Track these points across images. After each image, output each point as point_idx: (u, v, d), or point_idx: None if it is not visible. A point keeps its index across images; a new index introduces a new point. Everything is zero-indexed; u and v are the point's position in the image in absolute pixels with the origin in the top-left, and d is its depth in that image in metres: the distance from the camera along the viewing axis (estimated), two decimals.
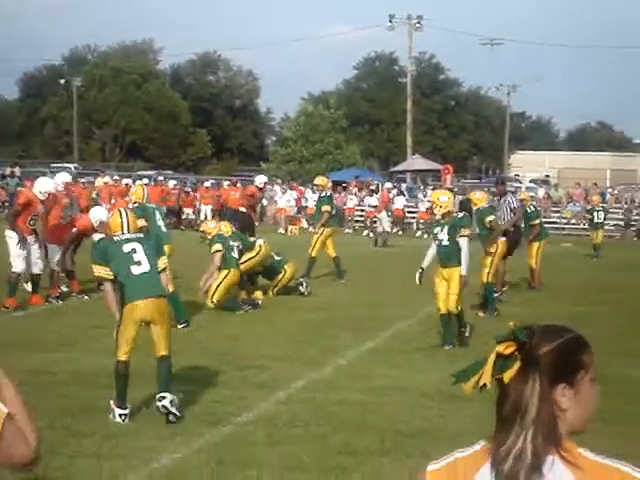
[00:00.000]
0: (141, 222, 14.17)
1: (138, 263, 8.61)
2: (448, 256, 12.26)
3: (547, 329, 2.32)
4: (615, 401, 9.29)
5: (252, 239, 16.84)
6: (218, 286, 15.23)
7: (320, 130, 58.98)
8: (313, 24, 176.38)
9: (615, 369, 11.02)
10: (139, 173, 48.81)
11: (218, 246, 15.41)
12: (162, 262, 8.80)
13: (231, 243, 15.64)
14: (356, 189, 43.21)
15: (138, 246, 8.71)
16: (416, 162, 53.58)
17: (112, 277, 8.57)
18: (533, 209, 20.00)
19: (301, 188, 43.40)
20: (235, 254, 15.61)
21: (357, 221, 41.30)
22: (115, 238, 8.86)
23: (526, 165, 79.08)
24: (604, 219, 29.73)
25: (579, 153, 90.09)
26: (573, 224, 41.44)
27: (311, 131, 58.83)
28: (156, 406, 8.36)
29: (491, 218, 16.08)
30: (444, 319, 12.33)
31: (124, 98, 71.68)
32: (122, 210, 9.38)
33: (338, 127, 60.49)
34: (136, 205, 14.65)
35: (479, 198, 16.51)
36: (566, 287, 19.42)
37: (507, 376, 2.24)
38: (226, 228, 15.98)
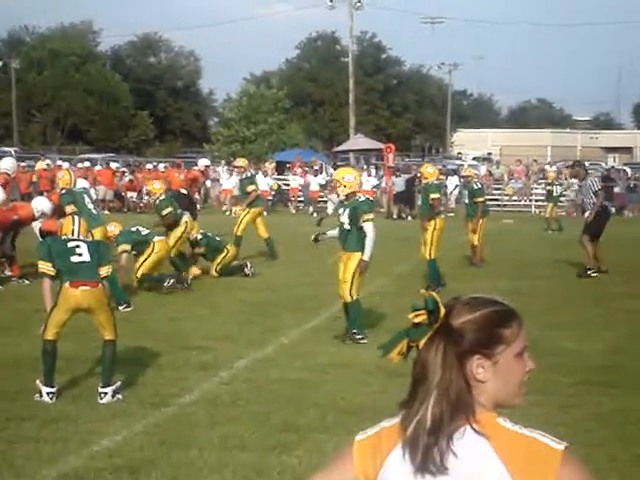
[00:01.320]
0: (71, 208, 14.11)
1: (79, 254, 8.70)
2: (347, 240, 11.40)
3: (472, 300, 2.32)
4: (551, 372, 9.47)
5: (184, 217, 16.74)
6: (144, 261, 15.09)
7: (262, 110, 58.73)
8: (254, 4, 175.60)
9: (550, 342, 11.19)
10: (81, 156, 48.29)
11: (124, 247, 15.24)
12: (105, 270, 8.78)
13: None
14: (300, 169, 43.18)
15: (84, 245, 8.82)
16: (359, 142, 53.61)
17: (53, 273, 8.62)
18: (479, 186, 20.24)
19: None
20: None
21: (300, 201, 41.35)
22: (63, 238, 8.97)
23: (468, 143, 79.65)
24: (560, 194, 31.73)
25: (520, 130, 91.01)
26: (515, 201, 41.87)
27: (253, 111, 58.55)
28: (99, 394, 8.39)
29: (435, 195, 16.15)
30: (344, 308, 11.66)
31: (64, 81, 70.79)
32: (75, 217, 9.53)
33: (281, 107, 60.28)
34: (64, 191, 14.57)
35: (430, 173, 16.62)
36: (506, 262, 19.65)
37: (422, 344, 2.28)
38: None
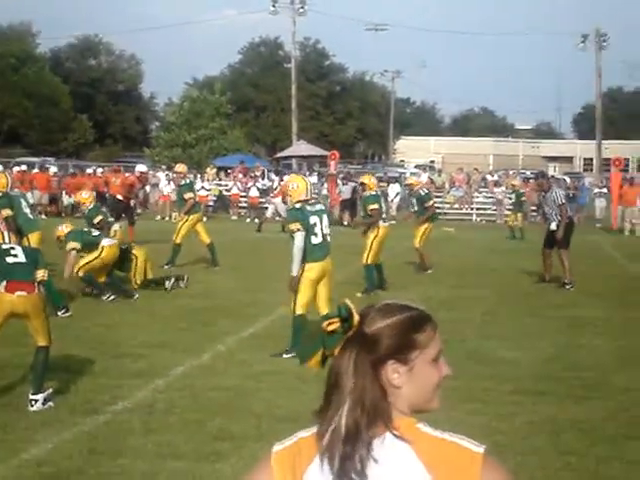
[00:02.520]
0: (6, 212, 13.88)
1: (14, 255, 8.58)
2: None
3: (386, 307, 2.31)
4: (489, 381, 9.51)
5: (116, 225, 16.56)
6: (88, 262, 14.90)
7: (205, 115, 58.53)
8: (198, 8, 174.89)
9: (489, 351, 11.24)
10: (18, 160, 47.62)
11: (73, 244, 15.06)
12: (41, 273, 8.63)
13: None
14: (241, 175, 43.03)
15: (19, 249, 8.78)
16: (301, 148, 53.67)
17: None
18: (426, 191, 20.67)
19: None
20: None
21: (242, 207, 41.19)
22: None
23: (411, 151, 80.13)
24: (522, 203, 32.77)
25: (463, 139, 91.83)
26: (456, 209, 42.13)
27: (195, 116, 58.32)
28: (29, 402, 8.23)
29: (374, 206, 16.43)
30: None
31: (1, 83, 69.77)
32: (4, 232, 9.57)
33: (223, 112, 60.13)
34: (0, 195, 14.35)
35: (373, 183, 17.20)
36: (447, 270, 19.71)
37: (336, 352, 2.25)
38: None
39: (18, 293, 8.32)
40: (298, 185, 11.30)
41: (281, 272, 17.81)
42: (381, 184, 41.81)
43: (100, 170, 39.17)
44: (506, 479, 2.23)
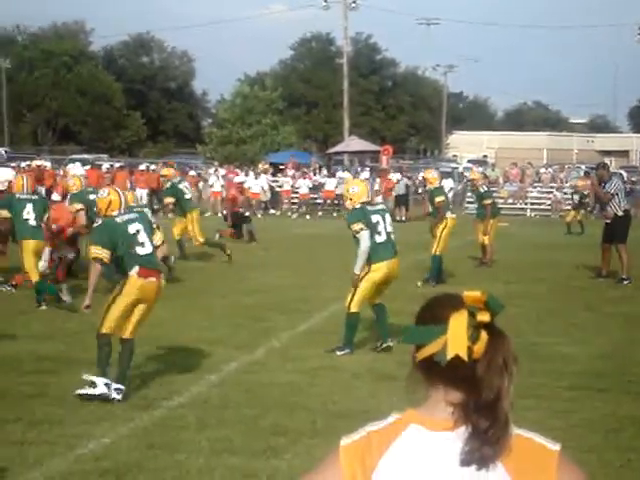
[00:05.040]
0: (4, 213, 14.01)
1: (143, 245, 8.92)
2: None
3: None
4: (545, 378, 9.40)
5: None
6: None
7: (256, 111, 58.65)
8: (249, 3, 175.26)
9: (545, 347, 11.12)
10: (72, 157, 48.10)
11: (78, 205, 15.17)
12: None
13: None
14: (293, 171, 43.03)
15: (147, 240, 8.87)
16: (353, 143, 53.52)
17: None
18: (486, 189, 20.78)
19: (237, 171, 42.96)
20: None
21: (293, 203, 41.07)
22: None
23: (464, 146, 79.61)
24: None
25: (516, 133, 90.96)
26: (510, 204, 41.77)
27: (247, 112, 58.45)
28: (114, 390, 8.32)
29: (440, 199, 16.81)
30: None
31: (55, 81, 70.56)
32: None
33: (274, 108, 60.20)
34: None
35: (434, 177, 17.62)
36: (504, 266, 19.54)
37: (477, 349, 2.13)
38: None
39: (150, 279, 8.61)
40: (359, 188, 11.22)
41: (333, 268, 17.91)
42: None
43: (153, 167, 39.19)
44: (581, 477, 2.22)
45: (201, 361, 10.17)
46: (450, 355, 2.10)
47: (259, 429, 7.64)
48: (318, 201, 40.69)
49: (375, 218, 10.91)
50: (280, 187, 41.61)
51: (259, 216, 37.37)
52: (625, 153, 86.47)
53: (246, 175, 39.55)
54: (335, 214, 37.90)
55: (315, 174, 43.07)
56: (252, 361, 10.30)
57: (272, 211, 39.53)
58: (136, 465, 6.71)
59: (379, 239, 10.85)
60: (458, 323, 2.12)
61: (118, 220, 8.80)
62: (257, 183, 39.19)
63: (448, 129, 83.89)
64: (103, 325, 8.49)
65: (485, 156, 69.27)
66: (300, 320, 12.82)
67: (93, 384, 8.31)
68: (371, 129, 73.10)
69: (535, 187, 43.21)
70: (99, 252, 8.55)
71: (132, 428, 7.64)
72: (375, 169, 43.88)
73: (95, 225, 9.75)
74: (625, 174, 43.17)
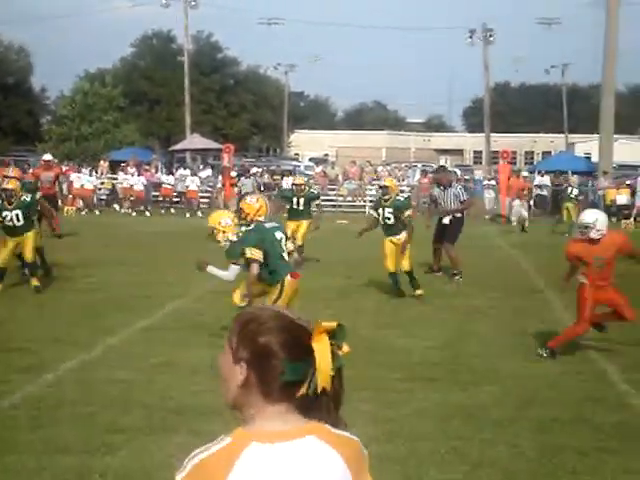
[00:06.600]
0: None
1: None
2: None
3: None
4: (380, 370, 9.65)
5: None
6: None
7: (97, 108, 57.69)
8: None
9: (380, 340, 11.39)
10: None
11: None
12: None
13: None
14: (134, 169, 42.51)
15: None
16: (196, 141, 53.32)
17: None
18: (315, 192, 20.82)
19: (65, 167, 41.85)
20: None
21: (132, 201, 40.63)
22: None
23: (305, 144, 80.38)
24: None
25: (356, 132, 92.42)
26: (349, 201, 42.40)
27: (88, 109, 57.44)
28: None
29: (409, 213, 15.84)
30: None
31: None
32: None
33: (116, 106, 59.36)
34: None
35: (396, 185, 17.21)
36: (339, 262, 19.84)
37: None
38: None
39: (297, 280, 10.11)
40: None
41: (173, 266, 17.84)
42: (275, 177, 41.95)
43: None
44: None
45: (37, 360, 9.97)
46: (320, 388, 2.22)
47: (95, 427, 7.57)
48: (159, 199, 40.46)
49: None
50: (121, 184, 41.00)
51: (97, 212, 37.00)
52: (460, 152, 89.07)
53: (90, 173, 39.38)
54: (173, 210, 38.02)
55: (157, 172, 42.74)
56: (90, 359, 10.16)
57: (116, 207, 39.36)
58: None
59: None
60: (323, 355, 2.21)
61: (267, 226, 10.22)
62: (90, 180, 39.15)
63: (290, 128, 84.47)
64: None
65: (326, 155, 70.12)
66: (140, 317, 12.73)
67: None
68: (213, 127, 72.76)
69: (374, 185, 44.01)
70: (255, 252, 9.80)
71: None
72: (217, 167, 43.88)
73: (246, 229, 10.46)
74: (459, 172, 44.51)
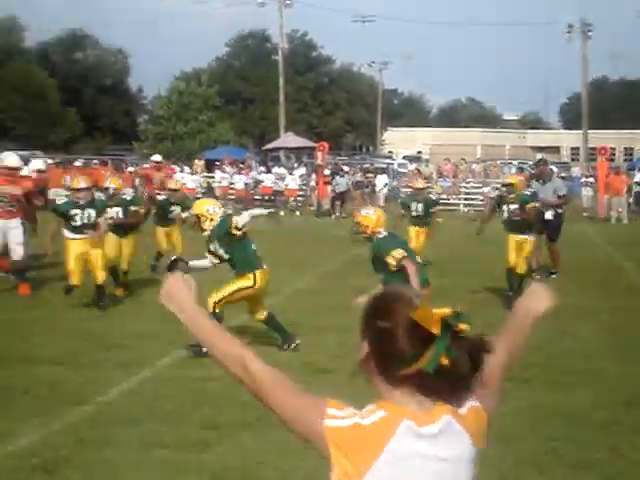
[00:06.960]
0: None
1: None
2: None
3: None
4: None
5: None
6: None
7: (193, 108, 58.44)
8: (184, 1, 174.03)
9: None
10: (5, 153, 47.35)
11: None
12: None
13: None
14: (230, 167, 42.92)
15: None
16: (289, 139, 53.64)
17: None
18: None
19: (173, 167, 42.73)
20: None
21: (230, 199, 41.03)
22: None
23: (399, 142, 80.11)
24: None
25: (450, 129, 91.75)
26: (443, 199, 42.10)
27: (183, 109, 58.23)
28: None
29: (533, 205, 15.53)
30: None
31: None
32: None
33: (211, 105, 60.05)
34: None
35: (521, 183, 16.43)
36: (437, 259, 19.69)
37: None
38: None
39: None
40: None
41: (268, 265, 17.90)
42: (368, 175, 41.89)
43: (95, 161, 38.97)
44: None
45: (134, 356, 10.14)
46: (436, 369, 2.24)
47: (190, 423, 7.67)
48: (256, 197, 40.69)
49: None
50: (219, 183, 41.38)
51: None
52: (556, 149, 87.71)
53: (181, 171, 39.64)
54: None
55: (251, 170, 43.09)
56: (186, 356, 10.25)
57: None
58: (65, 461, 6.70)
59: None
60: (440, 338, 2.25)
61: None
62: (193, 179, 39.37)
63: (383, 125, 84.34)
64: None
65: (420, 152, 69.79)
66: (234, 314, 12.79)
67: None
68: (307, 125, 73.15)
69: (469, 182, 43.64)
70: (404, 253, 9.94)
71: (62, 424, 7.61)
72: (311, 165, 44.02)
73: (381, 237, 10.47)
74: (556, 169, 43.82)
